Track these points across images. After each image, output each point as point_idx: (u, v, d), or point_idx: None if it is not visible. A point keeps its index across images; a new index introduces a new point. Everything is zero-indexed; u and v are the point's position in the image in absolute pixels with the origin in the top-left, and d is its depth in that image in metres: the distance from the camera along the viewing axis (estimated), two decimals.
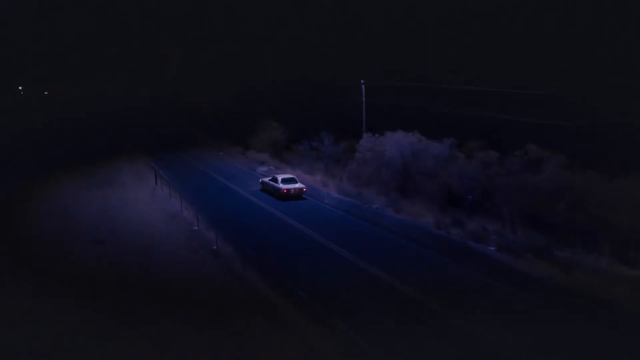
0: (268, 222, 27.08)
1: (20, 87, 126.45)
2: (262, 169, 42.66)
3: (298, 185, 32.66)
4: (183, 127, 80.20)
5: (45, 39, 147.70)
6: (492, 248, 22.62)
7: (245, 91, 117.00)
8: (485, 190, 29.61)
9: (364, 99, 39.81)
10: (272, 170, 41.30)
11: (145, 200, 31.33)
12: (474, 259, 21.57)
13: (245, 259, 20.07)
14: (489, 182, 29.57)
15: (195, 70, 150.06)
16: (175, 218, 27.00)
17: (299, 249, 22.60)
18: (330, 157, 40.82)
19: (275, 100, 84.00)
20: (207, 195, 33.75)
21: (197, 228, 24.74)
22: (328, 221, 27.17)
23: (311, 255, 21.74)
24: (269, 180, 33.88)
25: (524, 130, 37.44)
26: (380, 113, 52.53)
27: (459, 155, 33.14)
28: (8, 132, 68.33)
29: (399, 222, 26.79)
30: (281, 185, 32.06)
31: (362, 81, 40.13)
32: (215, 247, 21.83)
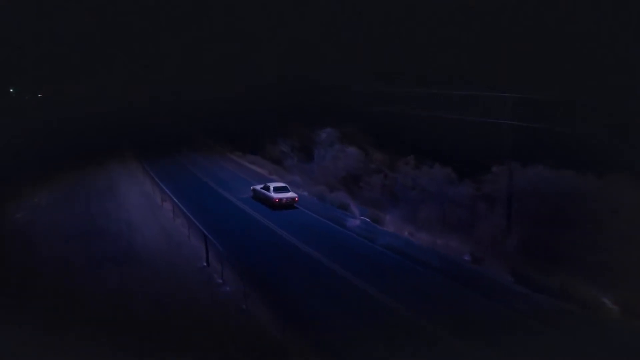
0: (294, 263, 22.20)
1: (11, 90, 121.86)
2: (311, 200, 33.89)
3: (290, 194, 30.97)
4: (183, 128, 76.73)
5: (46, 39, 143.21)
6: None
7: (252, 91, 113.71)
8: None
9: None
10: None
11: (148, 221, 27.20)
12: None
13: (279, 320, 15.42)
14: None
15: (195, 70, 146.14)
16: (181, 248, 23.07)
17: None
18: (451, 201, 30.28)
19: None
20: (214, 217, 28.95)
21: (205, 264, 21.09)
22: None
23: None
24: (261, 188, 32.08)
25: None
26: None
27: None
28: None
29: None
30: (273, 194, 30.35)
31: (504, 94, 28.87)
32: (244, 307, 17.10)
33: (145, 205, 30.34)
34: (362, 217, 28.78)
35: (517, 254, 23.61)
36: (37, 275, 19.73)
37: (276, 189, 30.94)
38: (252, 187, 33.62)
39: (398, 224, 27.93)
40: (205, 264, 21.09)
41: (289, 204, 30.52)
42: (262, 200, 31.44)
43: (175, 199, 30.99)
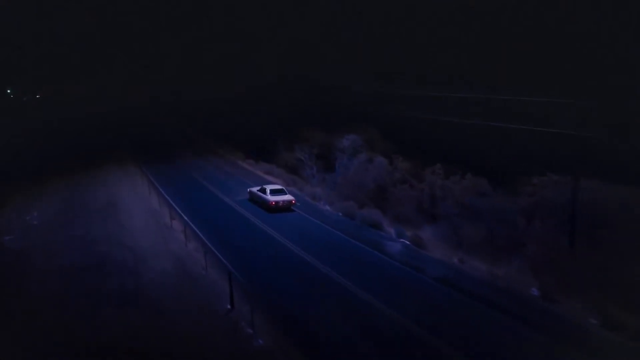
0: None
1: (9, 90, 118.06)
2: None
3: (287, 197, 30.17)
4: (187, 131, 72.83)
5: (46, 39, 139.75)
6: None
7: (258, 91, 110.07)
8: None
9: None
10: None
11: (157, 247, 22.92)
12: None
13: None
14: None
15: (195, 70, 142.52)
16: (198, 284, 19.05)
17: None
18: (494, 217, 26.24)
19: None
20: (232, 240, 24.64)
21: (230, 307, 17.19)
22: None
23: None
24: (257, 190, 31.34)
25: None
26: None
27: None
28: None
29: None
30: (270, 197, 29.68)
31: None
32: None
33: (151, 225, 26.22)
34: (402, 240, 24.89)
35: (593, 287, 19.87)
36: (23, 321, 15.78)
37: (273, 192, 30.28)
38: (248, 190, 32.70)
39: (442, 247, 24.14)
40: (229, 306, 17.20)
41: (285, 207, 29.69)
42: (259, 203, 30.69)
43: (186, 217, 27.14)
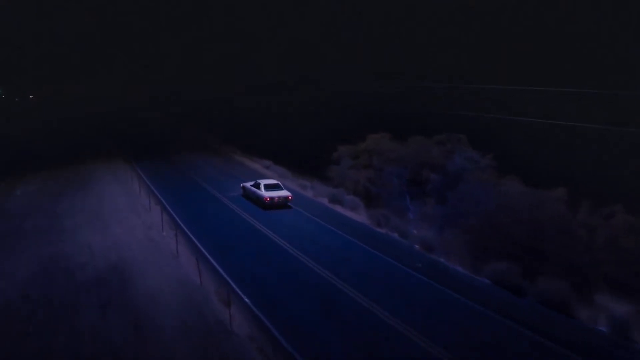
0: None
1: None
2: None
3: (283, 192, 27.54)
4: (183, 128, 68.14)
5: (46, 39, 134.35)
6: None
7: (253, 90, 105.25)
8: None
9: None
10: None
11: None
12: None
13: None
14: None
15: (195, 70, 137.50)
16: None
17: None
18: None
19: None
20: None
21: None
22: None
23: None
24: (251, 185, 28.66)
25: None
26: None
27: None
28: None
29: None
30: (264, 193, 27.13)
31: None
32: None
33: (164, 275, 20.07)
34: None
35: None
36: None
37: (267, 187, 27.59)
38: (242, 185, 30.06)
39: None
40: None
41: (281, 204, 27.13)
42: (253, 199, 28.12)
43: (208, 255, 20.57)
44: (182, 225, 24.07)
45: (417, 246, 22.96)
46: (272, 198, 26.96)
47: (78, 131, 66.05)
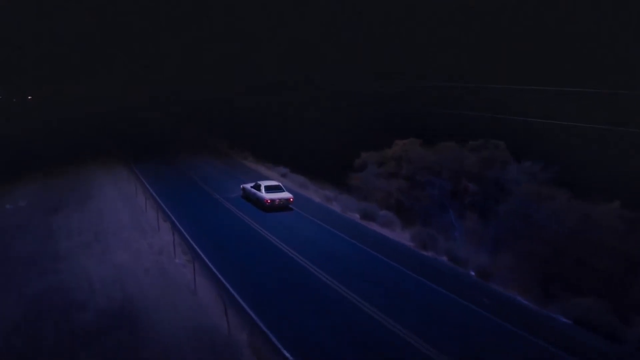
0: None
1: None
2: None
3: (285, 194, 26.43)
4: (184, 128, 64.60)
5: (46, 39, 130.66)
6: None
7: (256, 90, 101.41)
8: None
9: None
10: None
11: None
12: None
13: None
14: None
15: (195, 70, 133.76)
16: None
17: None
18: None
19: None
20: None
21: None
22: None
23: None
24: (251, 187, 27.53)
25: None
26: None
27: None
28: None
29: None
30: (265, 195, 26.02)
31: None
32: None
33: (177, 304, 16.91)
34: None
35: None
36: None
37: (268, 188, 26.49)
38: (241, 186, 28.76)
39: None
40: None
41: (282, 206, 25.99)
42: (253, 201, 27.00)
43: (236, 294, 16.66)
44: (199, 250, 20.29)
45: (472, 273, 19.49)
46: (272, 200, 25.80)
47: (78, 131, 62.65)
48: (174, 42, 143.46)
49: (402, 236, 23.64)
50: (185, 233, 22.34)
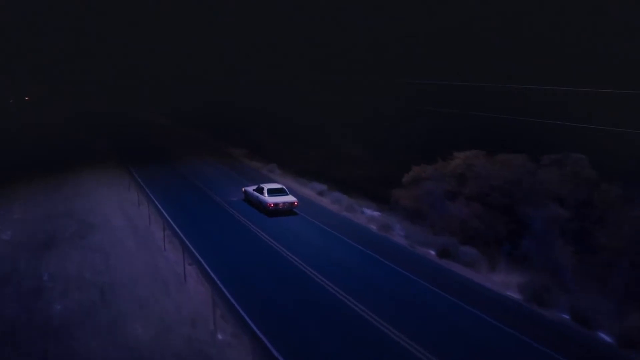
0: None
1: None
2: None
3: (289, 198, 24.75)
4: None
5: (46, 39, 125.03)
6: None
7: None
8: None
9: None
10: None
11: None
12: None
13: None
14: None
15: (195, 70, 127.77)
16: None
17: None
18: None
19: None
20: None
21: None
22: None
23: None
24: (254, 190, 25.92)
25: None
26: None
27: None
28: None
29: None
30: (268, 199, 24.31)
31: None
32: None
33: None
34: None
35: None
36: None
37: (271, 192, 24.88)
38: (243, 189, 27.31)
39: None
40: None
41: (287, 210, 24.55)
42: (256, 205, 25.56)
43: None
44: (254, 326, 14.14)
45: (609, 339, 13.94)
46: (276, 204, 24.17)
47: (78, 131, 57.32)
48: (174, 42, 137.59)
49: (491, 279, 18.04)
50: (226, 291, 16.28)
